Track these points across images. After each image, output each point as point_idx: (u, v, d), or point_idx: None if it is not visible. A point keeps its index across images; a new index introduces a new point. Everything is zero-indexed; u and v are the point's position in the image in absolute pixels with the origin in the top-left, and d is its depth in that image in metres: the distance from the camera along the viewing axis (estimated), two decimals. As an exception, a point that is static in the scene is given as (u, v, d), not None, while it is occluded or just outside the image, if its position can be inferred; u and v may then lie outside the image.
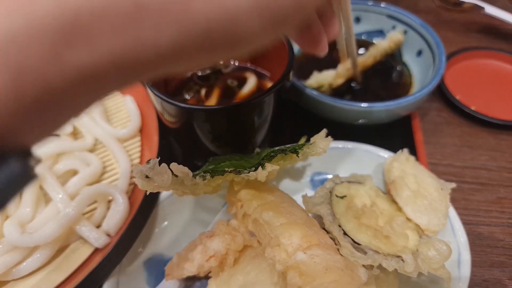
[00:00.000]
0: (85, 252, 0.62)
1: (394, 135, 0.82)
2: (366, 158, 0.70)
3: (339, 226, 0.53)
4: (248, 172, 0.47)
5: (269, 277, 0.48)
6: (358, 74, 0.83)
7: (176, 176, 0.45)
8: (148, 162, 0.44)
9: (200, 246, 0.51)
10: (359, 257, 0.49)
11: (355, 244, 0.51)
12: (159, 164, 0.44)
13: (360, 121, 0.75)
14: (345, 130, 0.76)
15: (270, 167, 0.47)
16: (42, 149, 0.68)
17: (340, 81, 0.83)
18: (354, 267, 0.44)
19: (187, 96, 0.78)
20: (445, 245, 0.54)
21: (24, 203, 0.62)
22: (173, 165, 0.44)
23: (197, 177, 0.46)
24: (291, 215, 0.47)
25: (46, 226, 0.59)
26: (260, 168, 0.47)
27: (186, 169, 0.45)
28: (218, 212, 0.66)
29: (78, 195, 0.65)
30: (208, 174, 0.47)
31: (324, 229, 0.54)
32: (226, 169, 0.48)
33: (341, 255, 0.47)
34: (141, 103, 0.82)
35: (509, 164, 0.78)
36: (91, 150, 0.75)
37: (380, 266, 0.50)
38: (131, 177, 0.70)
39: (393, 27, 0.90)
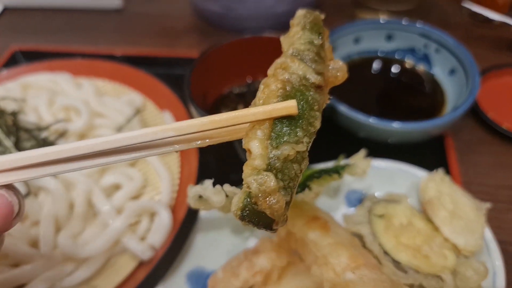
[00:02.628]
0: (130, 264, 0.65)
1: (426, 152, 0.83)
2: (400, 176, 0.71)
3: (379, 245, 0.55)
4: (296, 194, 0.49)
5: (314, 293, 0.51)
6: None
7: (227, 196, 0.48)
8: (202, 183, 0.47)
9: (246, 262, 0.54)
10: (401, 276, 0.51)
11: (395, 262, 0.53)
12: (213, 185, 0.46)
13: (392, 139, 0.77)
14: (378, 147, 0.78)
15: (316, 188, 0.50)
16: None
17: None
18: (400, 287, 0.46)
19: (224, 112, 0.81)
20: (482, 266, 0.55)
21: (76, 216, 0.65)
22: (226, 186, 0.47)
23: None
24: (336, 235, 0.49)
25: (98, 238, 0.62)
26: (307, 189, 0.50)
27: (238, 190, 0.47)
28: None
29: (123, 208, 0.68)
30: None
31: (364, 247, 0.56)
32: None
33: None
34: (178, 118, 0.86)
35: (542, 184, 0.79)
36: (132, 164, 0.78)
37: (420, 285, 0.52)
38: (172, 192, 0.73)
39: (425, 46, 0.91)
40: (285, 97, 0.36)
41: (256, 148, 0.35)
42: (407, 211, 0.64)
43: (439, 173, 0.67)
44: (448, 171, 0.79)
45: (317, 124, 0.37)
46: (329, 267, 0.45)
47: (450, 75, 0.88)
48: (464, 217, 0.62)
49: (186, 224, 0.67)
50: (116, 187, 0.73)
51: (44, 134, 0.75)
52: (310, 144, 0.36)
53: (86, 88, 0.87)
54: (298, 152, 0.35)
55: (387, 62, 0.95)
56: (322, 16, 0.43)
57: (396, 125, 0.72)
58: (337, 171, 0.54)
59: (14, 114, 0.76)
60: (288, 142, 0.34)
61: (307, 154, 0.36)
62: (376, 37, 0.94)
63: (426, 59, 0.92)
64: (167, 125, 0.35)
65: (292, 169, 0.35)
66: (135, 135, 0.34)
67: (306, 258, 0.51)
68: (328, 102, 0.41)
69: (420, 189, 0.68)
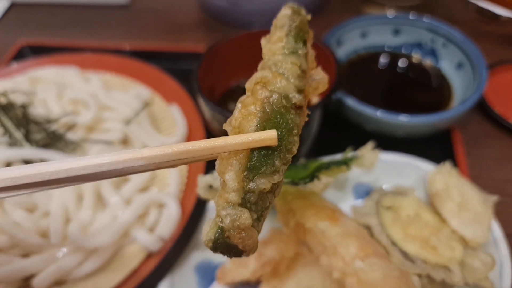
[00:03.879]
0: (138, 256, 0.65)
1: (433, 146, 0.83)
2: (407, 169, 0.72)
3: (387, 236, 0.55)
4: (305, 184, 0.50)
5: (322, 283, 0.51)
6: None
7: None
8: (212, 172, 0.48)
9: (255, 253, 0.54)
10: (409, 266, 0.51)
11: (403, 253, 0.54)
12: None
13: (400, 132, 0.77)
14: (385, 141, 0.78)
15: (325, 179, 0.50)
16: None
17: None
18: (408, 275, 0.46)
19: (232, 105, 0.81)
20: (489, 257, 0.55)
21: (85, 206, 0.66)
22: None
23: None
24: (345, 225, 0.49)
25: (107, 229, 0.63)
26: (315, 180, 0.50)
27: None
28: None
29: (132, 200, 0.69)
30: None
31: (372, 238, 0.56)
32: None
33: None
34: (186, 112, 0.86)
35: (549, 178, 0.79)
36: (141, 157, 0.78)
37: (427, 275, 0.52)
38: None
39: (432, 40, 0.92)
40: (264, 121, 0.34)
41: (232, 180, 0.33)
42: (414, 204, 0.64)
43: (447, 166, 0.68)
44: (455, 165, 0.79)
45: (295, 150, 0.35)
46: (338, 257, 0.45)
47: (457, 70, 0.88)
48: (471, 209, 0.62)
49: (195, 216, 0.68)
50: (125, 179, 0.73)
51: (53, 127, 0.76)
52: (285, 169, 0.35)
53: (94, 82, 0.88)
54: (274, 184, 0.34)
55: (394, 56, 0.95)
56: (309, 17, 0.40)
57: (403, 118, 0.72)
58: (345, 162, 0.55)
59: (24, 107, 0.77)
60: (264, 174, 0.33)
61: (282, 180, 0.35)
62: (383, 32, 0.95)
63: (433, 53, 0.92)
64: (137, 152, 0.32)
65: (266, 200, 0.34)
66: (101, 162, 0.31)
67: (314, 248, 0.52)
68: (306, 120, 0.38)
69: (427, 181, 0.68)
